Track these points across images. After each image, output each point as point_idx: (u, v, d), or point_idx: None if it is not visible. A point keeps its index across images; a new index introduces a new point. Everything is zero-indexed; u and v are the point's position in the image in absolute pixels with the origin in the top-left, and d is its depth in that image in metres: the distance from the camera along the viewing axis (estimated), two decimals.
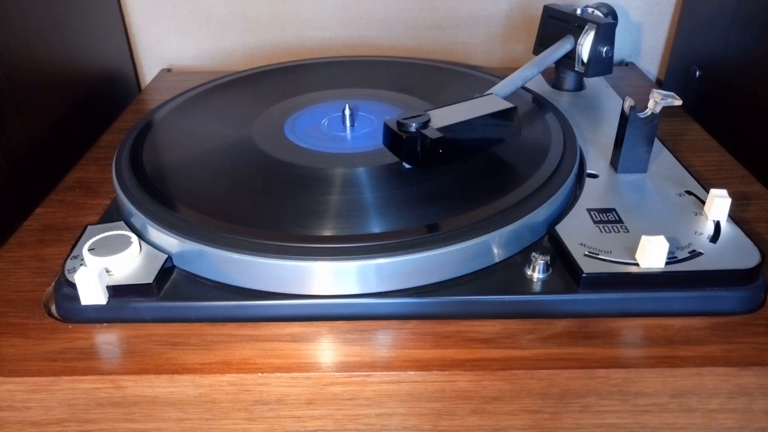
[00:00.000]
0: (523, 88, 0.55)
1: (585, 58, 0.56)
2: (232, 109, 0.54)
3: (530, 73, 0.53)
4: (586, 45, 0.55)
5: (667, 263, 0.36)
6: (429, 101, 0.53)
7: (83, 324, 0.36)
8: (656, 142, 0.48)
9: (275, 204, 0.40)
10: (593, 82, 0.63)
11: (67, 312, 0.36)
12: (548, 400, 0.34)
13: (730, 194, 0.40)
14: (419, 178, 0.43)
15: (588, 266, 0.36)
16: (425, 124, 0.41)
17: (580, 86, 0.61)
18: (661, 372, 0.33)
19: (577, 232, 0.39)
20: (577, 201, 0.42)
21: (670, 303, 0.36)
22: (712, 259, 0.37)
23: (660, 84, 0.78)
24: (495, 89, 0.49)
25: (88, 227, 0.41)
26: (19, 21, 0.52)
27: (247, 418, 0.34)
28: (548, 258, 0.37)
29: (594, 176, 0.46)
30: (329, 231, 0.38)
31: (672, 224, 0.40)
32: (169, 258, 0.38)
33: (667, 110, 0.44)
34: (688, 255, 0.37)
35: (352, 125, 0.50)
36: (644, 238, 0.36)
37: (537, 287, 0.36)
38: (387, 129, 0.42)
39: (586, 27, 0.55)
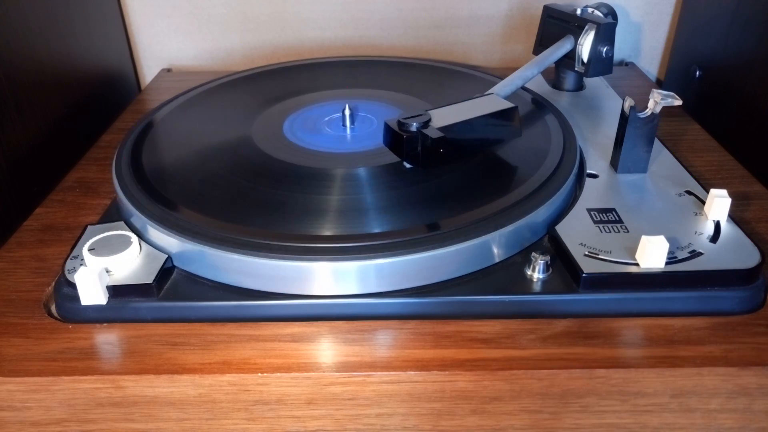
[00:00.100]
0: (523, 88, 0.55)
1: (585, 58, 0.56)
2: (232, 109, 0.54)
3: (530, 73, 0.53)
4: (586, 45, 0.55)
5: (667, 263, 0.36)
6: (429, 101, 0.53)
7: (83, 324, 0.36)
8: (656, 142, 0.48)
9: (275, 204, 0.40)
10: (593, 82, 0.63)
11: (67, 312, 0.36)
12: (548, 400, 0.34)
13: (730, 194, 0.40)
14: (420, 178, 0.43)
15: (588, 266, 0.36)
16: (426, 124, 0.41)
17: (580, 86, 0.61)
18: (661, 372, 0.33)
19: (577, 232, 0.39)
20: (577, 201, 0.42)
21: (670, 303, 0.36)
22: (712, 259, 0.37)
23: (660, 84, 0.78)
24: (495, 89, 0.49)
25: (88, 227, 0.41)
26: (19, 21, 0.52)
27: (247, 418, 0.34)
28: (548, 258, 0.37)
29: (594, 176, 0.46)
30: (329, 231, 0.38)
31: (672, 224, 0.40)
32: (169, 258, 0.38)
33: (667, 110, 0.44)
34: (688, 255, 0.37)
35: (352, 125, 0.50)
36: (644, 238, 0.36)
37: (537, 287, 0.36)
38: (388, 129, 0.42)
39: (586, 27, 0.55)
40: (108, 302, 0.36)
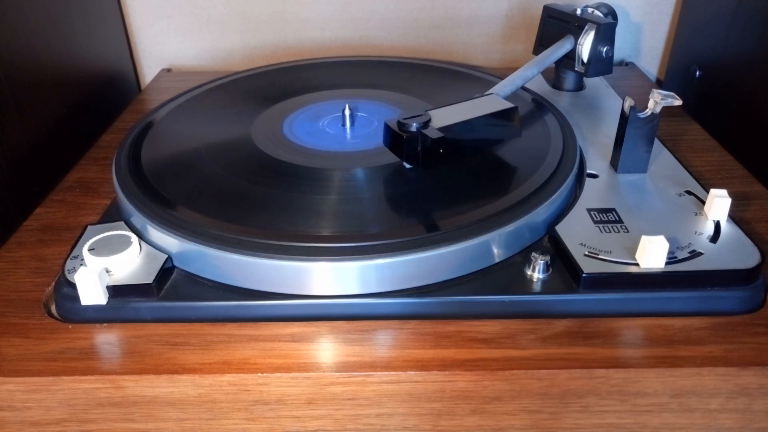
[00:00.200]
0: (523, 88, 0.55)
1: (585, 58, 0.56)
2: (232, 109, 0.54)
3: (530, 73, 0.53)
4: (586, 45, 0.55)
5: (667, 263, 0.36)
6: (429, 101, 0.53)
7: (83, 324, 0.36)
8: (656, 142, 0.48)
9: (275, 204, 0.40)
10: (593, 82, 0.63)
11: (67, 312, 0.36)
12: (548, 400, 0.34)
13: (730, 194, 0.40)
14: (420, 178, 0.43)
15: (588, 266, 0.36)
16: (426, 124, 0.41)
17: (580, 86, 0.61)
18: (661, 372, 0.33)
19: (577, 232, 0.39)
20: (577, 201, 0.42)
21: (670, 303, 0.36)
22: (712, 259, 0.37)
23: (660, 84, 0.78)
24: (495, 89, 0.49)
25: (88, 227, 0.41)
26: (19, 21, 0.52)
27: (247, 418, 0.34)
28: (548, 258, 0.37)
29: (594, 176, 0.46)
30: (329, 231, 0.38)
31: (672, 224, 0.40)
32: (169, 258, 0.38)
33: (667, 110, 0.44)
34: (688, 255, 0.37)
35: (351, 125, 0.50)
36: (644, 238, 0.36)
37: (537, 287, 0.36)
38: (387, 129, 0.42)
39: (586, 27, 0.55)
40: (108, 302, 0.36)
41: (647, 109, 0.44)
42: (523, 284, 0.37)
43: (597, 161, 0.48)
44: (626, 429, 0.35)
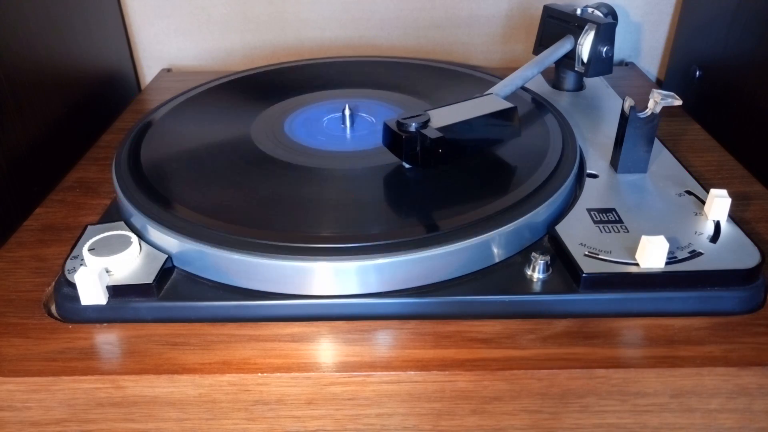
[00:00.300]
0: (523, 88, 0.55)
1: (585, 58, 0.56)
2: (232, 109, 0.54)
3: (530, 73, 0.53)
4: (586, 45, 0.55)
5: (667, 263, 0.36)
6: (429, 101, 0.53)
7: (83, 324, 0.36)
8: (656, 142, 0.48)
9: (275, 204, 0.40)
10: (593, 82, 0.63)
11: (67, 312, 0.36)
12: (548, 400, 0.34)
13: (730, 194, 0.40)
14: (419, 178, 0.43)
15: (588, 266, 0.36)
16: (425, 124, 0.41)
17: (580, 86, 0.61)
18: (661, 372, 0.33)
19: (577, 232, 0.39)
20: (577, 201, 0.42)
21: (670, 303, 0.36)
22: (712, 259, 0.37)
23: (660, 84, 0.78)
24: (495, 89, 0.49)
25: (88, 227, 0.41)
26: (18, 21, 0.52)
27: (247, 418, 0.34)
28: (548, 258, 0.37)
29: (594, 176, 0.46)
30: (329, 231, 0.38)
31: (672, 224, 0.40)
32: (169, 258, 0.38)
33: (667, 110, 0.44)
34: (688, 255, 0.37)
35: (351, 125, 0.50)
36: (644, 238, 0.36)
37: (537, 287, 0.36)
38: (387, 129, 0.42)
39: (586, 27, 0.55)
40: (108, 302, 0.36)
41: (647, 109, 0.44)
42: (523, 284, 0.37)
43: (597, 161, 0.48)
44: (626, 429, 0.35)
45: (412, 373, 0.33)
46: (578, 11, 0.57)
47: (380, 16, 0.75)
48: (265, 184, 0.43)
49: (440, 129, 0.41)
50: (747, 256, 0.37)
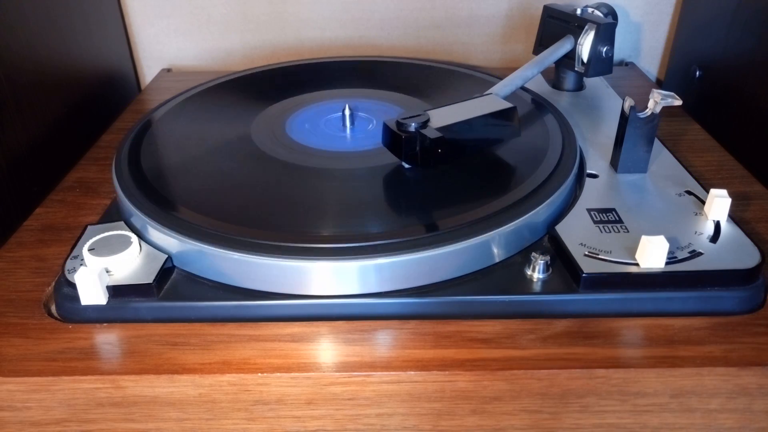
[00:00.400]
0: (523, 88, 0.55)
1: (585, 58, 0.56)
2: (232, 109, 0.54)
3: (530, 73, 0.53)
4: (586, 45, 0.55)
5: (667, 263, 0.36)
6: (429, 101, 0.53)
7: (83, 324, 0.36)
8: (656, 142, 0.48)
9: (275, 204, 0.40)
10: (593, 82, 0.63)
11: (67, 312, 0.36)
12: (548, 400, 0.34)
13: (730, 194, 0.40)
14: (419, 178, 0.43)
15: (588, 266, 0.36)
16: (424, 124, 0.41)
17: (580, 86, 0.61)
18: (661, 372, 0.33)
19: (577, 232, 0.39)
20: (577, 201, 0.42)
21: (670, 303, 0.36)
22: (712, 259, 0.37)
23: (660, 84, 0.78)
24: (495, 89, 0.49)
25: (88, 227, 0.41)
26: (18, 21, 0.52)
27: (247, 418, 0.34)
28: (548, 258, 0.37)
29: (594, 176, 0.46)
30: (329, 231, 0.38)
31: (672, 224, 0.40)
32: (169, 258, 0.38)
33: (667, 110, 0.44)
34: (688, 255, 0.37)
35: (351, 125, 0.50)
36: (644, 238, 0.36)
37: (537, 287, 0.36)
38: (386, 129, 0.42)
39: (586, 27, 0.55)
40: (108, 302, 0.36)
41: (647, 109, 0.44)
42: (523, 284, 0.37)
43: (597, 161, 0.48)
44: (626, 429, 0.35)
45: (412, 373, 0.33)
46: (578, 11, 0.57)
47: (380, 16, 0.75)
48: (265, 184, 0.43)
49: (440, 129, 0.41)
50: (747, 256, 0.37)
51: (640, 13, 0.75)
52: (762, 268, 0.37)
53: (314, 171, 0.44)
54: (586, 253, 0.37)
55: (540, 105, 0.54)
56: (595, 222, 0.40)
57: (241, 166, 0.45)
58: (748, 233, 0.39)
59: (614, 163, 0.47)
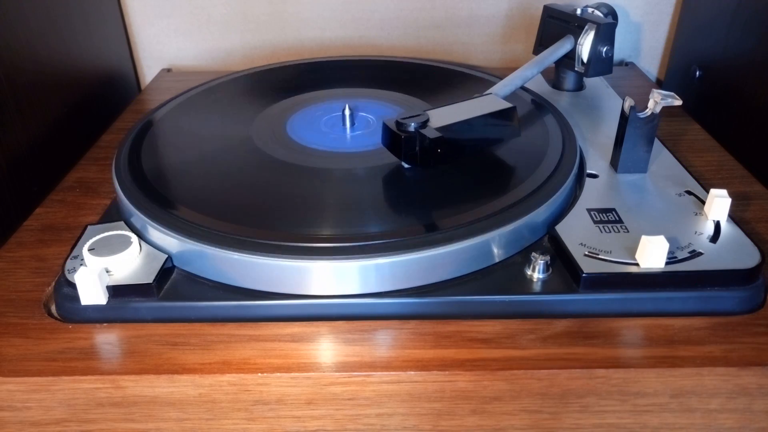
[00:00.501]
0: (523, 88, 0.55)
1: (585, 58, 0.56)
2: (232, 109, 0.54)
3: (530, 73, 0.53)
4: (586, 45, 0.55)
5: (667, 263, 0.36)
6: (429, 101, 0.53)
7: (83, 324, 0.36)
8: (656, 142, 0.48)
9: (275, 204, 0.40)
10: (593, 82, 0.63)
11: (67, 312, 0.36)
12: (548, 400, 0.34)
13: (730, 194, 0.40)
14: (419, 178, 0.43)
15: (588, 266, 0.36)
16: (424, 124, 0.41)
17: (580, 86, 0.61)
18: (661, 372, 0.33)
19: (577, 232, 0.39)
20: (577, 201, 0.42)
21: (670, 303, 0.36)
22: (712, 259, 0.37)
23: (660, 84, 0.78)
24: (494, 89, 0.49)
25: (88, 227, 0.41)
26: (18, 21, 0.52)
27: (247, 418, 0.34)
28: (548, 258, 0.37)
29: (594, 176, 0.46)
30: (329, 231, 0.38)
31: (672, 224, 0.40)
32: (169, 258, 0.38)
33: (667, 110, 0.44)
34: (688, 255, 0.37)
35: (351, 125, 0.50)
36: (644, 238, 0.36)
37: (537, 287, 0.36)
38: (386, 129, 0.42)
39: (586, 27, 0.55)
40: (108, 302, 0.36)
41: (647, 109, 0.44)
42: (523, 284, 0.37)
43: (597, 161, 0.48)
44: (626, 429, 0.35)
45: (412, 373, 0.33)
46: (578, 11, 0.57)
47: (380, 16, 0.75)
48: (265, 184, 0.43)
49: (439, 129, 0.41)
50: (747, 256, 0.37)
51: (640, 13, 0.75)
52: (762, 268, 0.37)
53: (314, 171, 0.44)
54: (586, 253, 0.37)
55: (540, 105, 0.54)
56: (595, 222, 0.40)
57: (241, 166, 0.45)
58: (748, 233, 0.39)
59: (614, 163, 0.47)
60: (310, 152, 0.46)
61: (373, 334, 0.35)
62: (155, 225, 0.38)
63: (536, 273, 0.37)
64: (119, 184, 0.42)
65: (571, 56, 0.57)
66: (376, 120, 0.51)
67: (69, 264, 0.38)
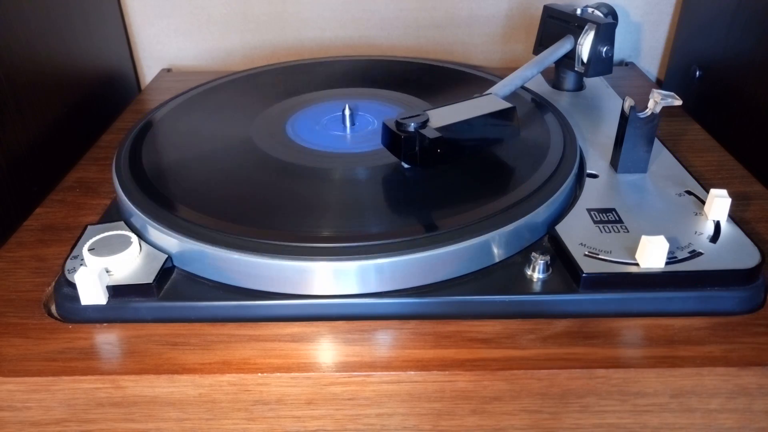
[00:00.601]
0: (523, 88, 0.55)
1: (585, 58, 0.56)
2: (232, 109, 0.54)
3: (530, 73, 0.53)
4: (586, 45, 0.55)
5: (667, 263, 0.36)
6: (429, 101, 0.53)
7: (83, 324, 0.36)
8: (656, 142, 0.48)
9: (275, 204, 0.40)
10: (593, 82, 0.63)
11: (67, 312, 0.36)
12: (548, 400, 0.34)
13: (730, 194, 0.40)
14: (420, 178, 0.43)
15: (588, 266, 0.36)
16: (424, 124, 0.41)
17: (580, 86, 0.61)
18: (661, 372, 0.33)
19: (577, 232, 0.39)
20: (577, 201, 0.42)
21: (670, 303, 0.36)
22: (712, 259, 0.37)
23: (660, 84, 0.78)
24: (494, 89, 0.49)
25: (88, 227, 0.41)
26: (18, 21, 0.52)
27: (247, 418, 0.34)
28: (548, 258, 0.37)
29: (594, 176, 0.46)
30: (329, 231, 0.38)
31: (672, 224, 0.40)
32: (169, 258, 0.38)
33: (667, 110, 0.44)
34: (688, 255, 0.37)
35: (352, 125, 0.50)
36: (644, 238, 0.36)
37: (537, 287, 0.36)
38: (386, 129, 0.42)
39: (586, 27, 0.55)
40: (108, 302, 0.36)
41: (647, 109, 0.44)
42: (523, 284, 0.37)
43: (597, 161, 0.48)
44: (626, 429, 0.35)
45: (412, 373, 0.33)
46: (578, 11, 0.57)
47: (380, 15, 0.75)
48: (265, 184, 0.43)
49: (439, 129, 0.41)
50: (747, 256, 0.37)
51: (640, 13, 0.75)
52: (762, 268, 0.37)
53: (314, 171, 0.44)
54: (586, 253, 0.37)
55: (540, 105, 0.54)
56: (595, 222, 0.40)
57: (241, 166, 0.45)
58: (748, 233, 0.39)
59: (614, 163, 0.47)
60: (310, 152, 0.46)
61: (373, 334, 0.35)
62: (155, 225, 0.38)
63: (536, 273, 0.37)
64: (119, 184, 0.42)
65: (571, 56, 0.57)
66: (376, 120, 0.51)
67: (69, 264, 0.38)
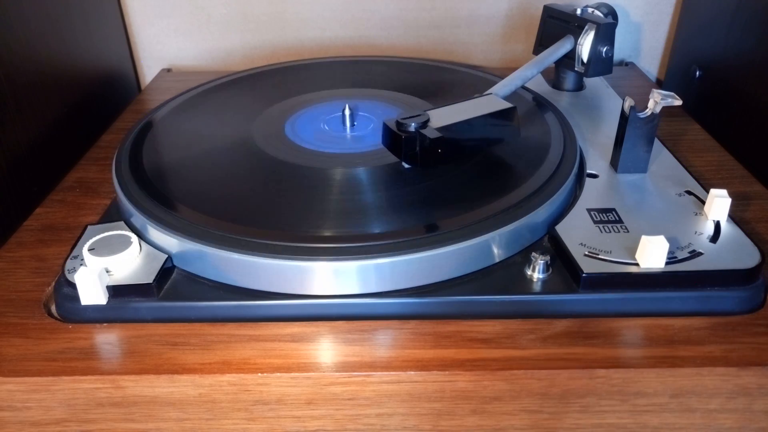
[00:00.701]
0: (523, 88, 0.55)
1: (585, 58, 0.56)
2: (232, 109, 0.54)
3: (530, 73, 0.53)
4: (586, 45, 0.55)
5: (667, 263, 0.36)
6: (429, 101, 0.53)
7: (83, 324, 0.36)
8: (656, 142, 0.48)
9: (275, 204, 0.40)
10: (593, 82, 0.63)
11: (67, 312, 0.36)
12: (548, 400, 0.34)
13: (730, 194, 0.40)
14: (419, 178, 0.43)
15: (588, 266, 0.36)
16: (424, 124, 0.41)
17: (580, 86, 0.61)
18: (661, 372, 0.33)
19: (577, 232, 0.39)
20: (577, 201, 0.42)
21: (670, 303, 0.36)
22: (712, 259, 0.37)
23: (660, 84, 0.78)
24: (495, 89, 0.49)
25: (88, 227, 0.41)
26: (18, 21, 0.52)
27: (247, 418, 0.34)
28: (548, 258, 0.37)
29: (594, 176, 0.46)
30: (329, 231, 0.38)
31: (672, 224, 0.40)
32: (169, 258, 0.38)
33: (667, 110, 0.44)
34: (688, 255, 0.37)
35: (352, 125, 0.50)
36: (644, 238, 0.36)
37: (537, 287, 0.36)
38: (386, 129, 0.42)
39: (586, 27, 0.55)
40: (108, 302, 0.36)
41: (647, 109, 0.44)
42: (523, 284, 0.37)
43: (597, 161, 0.48)
44: (626, 429, 0.35)
45: (412, 373, 0.33)
46: (578, 11, 0.57)
47: (380, 15, 0.75)
48: (266, 184, 0.43)
49: (439, 129, 0.41)
50: (747, 256, 0.37)
51: (640, 13, 0.75)
52: (762, 268, 0.37)
53: (314, 171, 0.44)
54: (586, 253, 0.37)
55: (540, 105, 0.54)
56: (595, 222, 0.40)
57: (241, 166, 0.45)
58: (748, 233, 0.39)
59: (614, 163, 0.47)
60: (310, 152, 0.46)
61: (373, 334, 0.35)
62: (155, 225, 0.38)
63: (536, 273, 0.37)
64: (119, 184, 0.42)
65: (571, 56, 0.57)
66: (376, 120, 0.51)
67: (69, 264, 0.38)
